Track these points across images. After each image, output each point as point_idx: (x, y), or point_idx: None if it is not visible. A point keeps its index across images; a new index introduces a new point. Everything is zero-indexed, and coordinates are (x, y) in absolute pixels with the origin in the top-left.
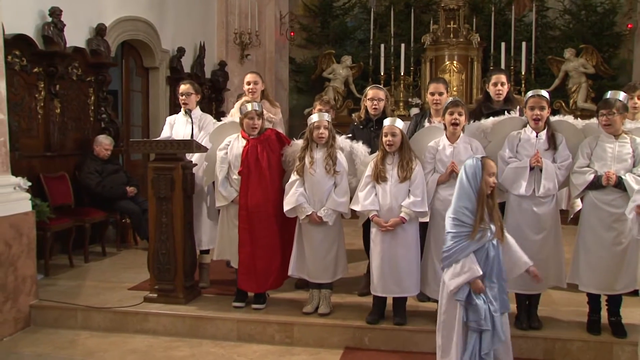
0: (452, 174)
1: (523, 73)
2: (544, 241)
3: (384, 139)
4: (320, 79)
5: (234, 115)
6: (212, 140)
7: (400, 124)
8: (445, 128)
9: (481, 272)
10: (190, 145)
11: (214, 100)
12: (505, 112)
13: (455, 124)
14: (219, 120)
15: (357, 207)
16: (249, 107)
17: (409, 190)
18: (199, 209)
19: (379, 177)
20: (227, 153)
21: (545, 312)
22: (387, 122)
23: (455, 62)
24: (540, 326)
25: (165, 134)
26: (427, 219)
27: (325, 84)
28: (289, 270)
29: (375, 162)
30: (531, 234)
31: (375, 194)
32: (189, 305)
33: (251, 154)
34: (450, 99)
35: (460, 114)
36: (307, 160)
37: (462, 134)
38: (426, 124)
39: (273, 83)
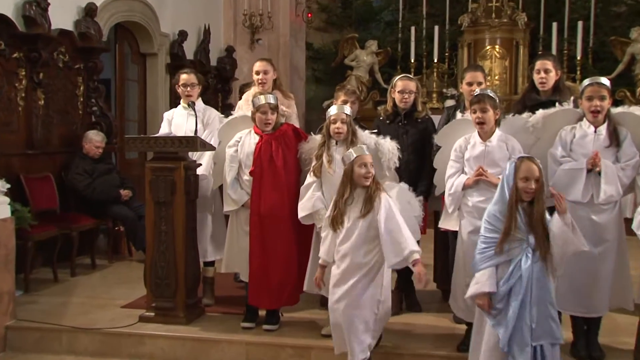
0: (480, 179)
1: (579, 58)
2: (604, 255)
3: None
4: (341, 66)
5: (242, 108)
6: (221, 137)
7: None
8: None
9: (490, 289)
10: (194, 142)
11: (220, 91)
12: (556, 103)
13: (481, 123)
14: (225, 114)
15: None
16: (262, 99)
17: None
18: (204, 215)
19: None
20: (237, 151)
21: (607, 340)
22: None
23: (497, 46)
24: (603, 356)
25: (163, 131)
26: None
27: (347, 73)
28: (305, 286)
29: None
30: (589, 246)
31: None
32: (191, 326)
33: (265, 151)
34: (477, 91)
35: (484, 111)
36: (324, 159)
37: (497, 130)
38: (458, 115)
39: (287, 71)
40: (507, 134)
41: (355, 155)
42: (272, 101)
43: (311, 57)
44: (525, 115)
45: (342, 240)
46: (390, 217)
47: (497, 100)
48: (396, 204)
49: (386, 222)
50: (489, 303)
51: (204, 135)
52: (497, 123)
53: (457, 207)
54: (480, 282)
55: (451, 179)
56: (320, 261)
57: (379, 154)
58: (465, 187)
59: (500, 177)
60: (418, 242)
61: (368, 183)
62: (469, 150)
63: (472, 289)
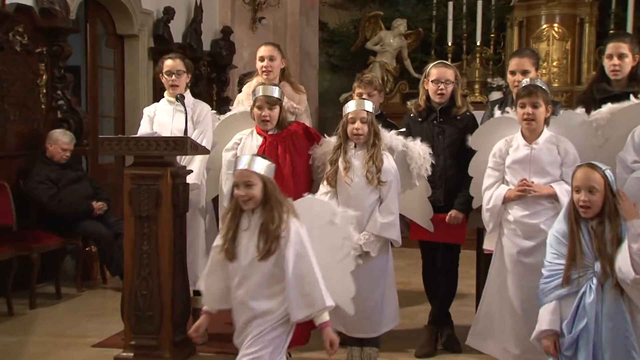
0: (523, 194)
1: None
2: None
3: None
4: (362, 52)
5: (242, 102)
6: (216, 138)
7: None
8: None
9: (549, 327)
10: (184, 144)
11: (214, 82)
12: (631, 96)
13: (529, 120)
14: (222, 111)
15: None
16: (259, 91)
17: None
18: (195, 233)
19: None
20: (236, 155)
21: None
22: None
23: (556, 25)
24: None
25: (144, 130)
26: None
27: (370, 59)
28: None
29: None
30: None
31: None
32: None
33: (269, 155)
34: (525, 81)
35: (536, 106)
36: (341, 165)
37: (545, 130)
38: (497, 113)
39: (297, 58)
40: (558, 134)
41: (350, 110)
42: (271, 94)
43: (326, 40)
44: (579, 111)
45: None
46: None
47: (549, 94)
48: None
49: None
50: (555, 345)
51: (194, 135)
52: (546, 122)
53: (497, 225)
54: (542, 319)
55: (489, 190)
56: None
57: (408, 159)
58: (507, 201)
59: (554, 187)
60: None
61: (362, 141)
62: (511, 155)
63: (536, 328)
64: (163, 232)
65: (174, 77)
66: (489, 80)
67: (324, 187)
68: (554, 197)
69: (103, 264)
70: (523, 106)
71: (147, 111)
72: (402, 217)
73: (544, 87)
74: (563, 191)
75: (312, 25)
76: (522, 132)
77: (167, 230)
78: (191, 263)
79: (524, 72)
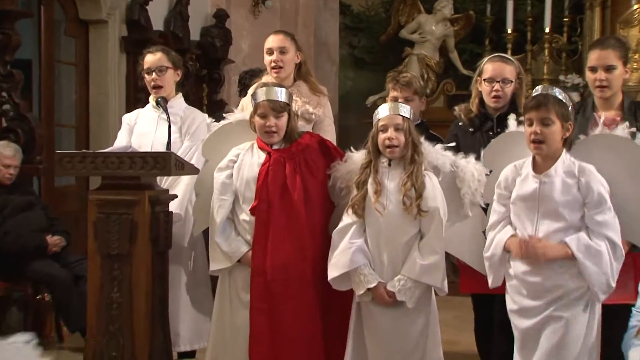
0: (528, 252)
1: None
2: None
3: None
4: (395, 42)
5: (245, 108)
6: (207, 154)
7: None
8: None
9: None
10: (166, 161)
11: (204, 81)
12: None
13: (537, 142)
14: (215, 117)
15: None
16: (261, 94)
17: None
18: (178, 276)
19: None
20: (232, 176)
21: None
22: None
23: None
24: None
25: (120, 143)
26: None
27: (406, 52)
28: None
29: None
30: None
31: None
32: None
33: (275, 177)
34: (539, 89)
35: (546, 123)
36: (370, 188)
37: (563, 155)
38: (511, 125)
39: (311, 51)
40: (587, 161)
41: (382, 116)
42: (277, 97)
43: (348, 27)
44: (621, 129)
45: None
46: None
47: (570, 107)
48: None
49: None
50: None
51: (181, 150)
52: (567, 144)
53: (499, 278)
54: None
55: (491, 231)
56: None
57: (458, 182)
58: (508, 250)
59: (568, 243)
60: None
61: (398, 156)
62: (516, 187)
63: None
64: (138, 275)
65: (154, 75)
66: (562, 78)
67: (348, 217)
68: (569, 258)
69: (59, 316)
70: (530, 123)
71: (127, 119)
72: (449, 257)
73: (560, 97)
74: (581, 247)
75: (331, 9)
76: (533, 157)
77: (144, 272)
78: (174, 317)
79: (608, 68)
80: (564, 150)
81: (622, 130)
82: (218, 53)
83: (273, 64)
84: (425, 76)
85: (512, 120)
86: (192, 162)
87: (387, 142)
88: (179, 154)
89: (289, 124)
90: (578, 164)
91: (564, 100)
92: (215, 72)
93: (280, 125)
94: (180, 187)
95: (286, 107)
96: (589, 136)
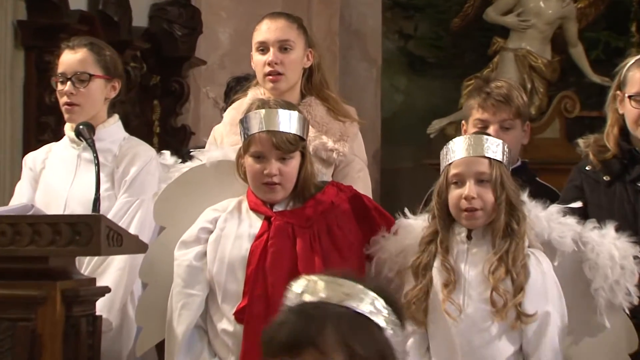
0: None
1: None
2: None
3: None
4: (477, 28)
5: (223, 140)
6: (160, 217)
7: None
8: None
9: None
10: (92, 230)
11: (157, 95)
12: None
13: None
14: (179, 156)
15: None
16: (255, 120)
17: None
18: None
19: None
20: (204, 255)
21: None
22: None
23: None
24: None
25: (17, 200)
26: None
27: (495, 45)
28: None
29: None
30: None
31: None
32: None
33: (278, 258)
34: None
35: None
36: (437, 276)
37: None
38: None
39: (335, 44)
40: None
41: (453, 151)
42: (283, 127)
43: (398, 4)
44: None
45: None
46: None
47: None
48: None
49: None
50: None
51: (115, 210)
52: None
53: None
54: None
55: None
56: None
57: (587, 270)
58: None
59: None
60: None
61: (480, 221)
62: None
63: None
64: None
65: (69, 86)
66: None
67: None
68: None
69: None
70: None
71: (30, 161)
72: None
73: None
74: None
75: None
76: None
77: None
78: None
79: None
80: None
81: None
82: (179, 48)
83: (268, 69)
84: (529, 86)
85: None
86: (135, 230)
87: (465, 203)
88: (111, 216)
89: (303, 170)
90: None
91: None
92: (175, 79)
93: (288, 172)
94: (114, 273)
95: (299, 142)
96: None
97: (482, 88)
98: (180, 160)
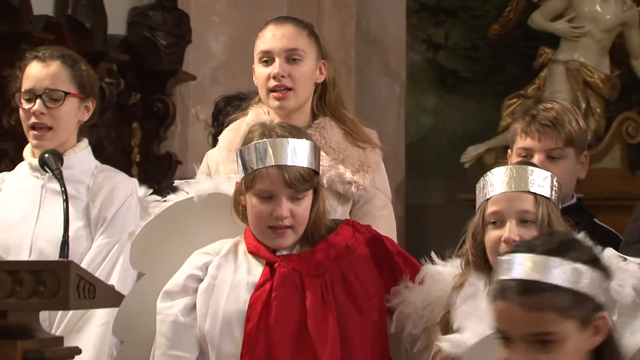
0: None
1: None
2: None
3: None
4: (520, 37)
5: (218, 164)
6: (138, 262)
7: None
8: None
9: None
10: (59, 279)
11: (137, 116)
12: None
13: None
14: (161, 190)
15: None
16: (259, 153)
17: None
18: None
19: None
20: (194, 309)
21: None
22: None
23: None
24: None
25: None
26: None
27: (543, 56)
28: None
29: None
30: None
31: None
32: None
33: (283, 312)
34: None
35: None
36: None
37: None
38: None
39: (352, 55)
40: None
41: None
42: (292, 159)
43: (425, 7)
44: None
45: None
46: None
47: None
48: None
49: None
50: None
51: (88, 258)
52: None
53: None
54: None
55: None
56: None
57: None
58: None
59: None
60: None
61: None
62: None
63: None
64: None
65: (38, 105)
66: None
67: None
68: None
69: None
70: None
71: None
72: None
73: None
74: None
75: None
76: None
77: None
78: None
79: None
80: None
81: None
82: (163, 60)
83: (273, 83)
84: (583, 105)
85: None
86: (117, 279)
87: (505, 247)
88: (84, 264)
89: (315, 209)
90: None
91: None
92: (158, 98)
93: (300, 214)
94: (95, 330)
95: (314, 178)
96: None
97: (529, 110)
98: (150, 192)
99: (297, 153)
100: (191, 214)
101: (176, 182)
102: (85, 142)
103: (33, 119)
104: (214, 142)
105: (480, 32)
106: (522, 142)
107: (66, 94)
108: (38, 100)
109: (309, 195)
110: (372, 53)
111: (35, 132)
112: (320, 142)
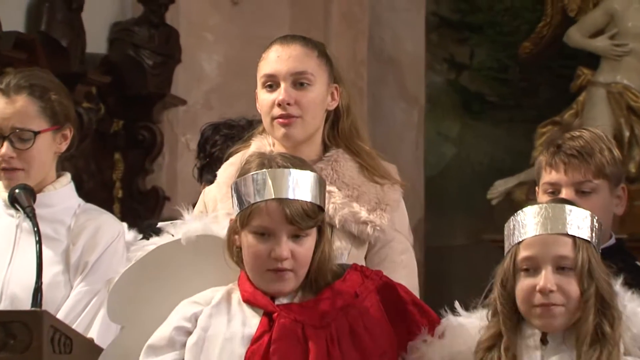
0: None
1: None
2: None
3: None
4: (555, 56)
5: (217, 202)
6: (118, 314)
7: None
8: None
9: None
10: (31, 331)
11: (119, 145)
12: None
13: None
14: (143, 230)
15: None
16: (257, 186)
17: None
18: None
19: None
20: None
21: None
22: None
23: None
24: None
25: None
26: None
27: (581, 77)
28: None
29: None
30: None
31: None
32: None
33: None
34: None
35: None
36: None
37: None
38: None
39: (364, 76)
40: None
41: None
42: (300, 192)
43: (447, 22)
44: None
45: None
46: None
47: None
48: None
49: None
50: None
51: (67, 307)
52: None
53: None
54: None
55: None
56: None
57: None
58: None
59: None
60: None
61: (556, 324)
62: None
63: None
64: None
65: (6, 148)
66: None
67: None
68: None
69: None
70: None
71: None
72: None
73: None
74: None
75: None
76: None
77: None
78: None
79: None
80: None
81: None
82: (149, 83)
83: (279, 111)
84: (627, 134)
85: None
86: (97, 331)
87: (540, 298)
88: (61, 315)
89: (319, 251)
90: None
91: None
92: (143, 125)
93: (303, 255)
94: None
95: (318, 214)
96: None
97: (554, 140)
98: (140, 237)
99: (300, 185)
100: (178, 258)
101: (160, 224)
102: (67, 177)
103: (2, 164)
104: (200, 176)
105: (510, 51)
106: (548, 176)
107: (36, 133)
108: (5, 143)
109: (313, 234)
110: (387, 74)
111: (6, 174)
112: (333, 177)
